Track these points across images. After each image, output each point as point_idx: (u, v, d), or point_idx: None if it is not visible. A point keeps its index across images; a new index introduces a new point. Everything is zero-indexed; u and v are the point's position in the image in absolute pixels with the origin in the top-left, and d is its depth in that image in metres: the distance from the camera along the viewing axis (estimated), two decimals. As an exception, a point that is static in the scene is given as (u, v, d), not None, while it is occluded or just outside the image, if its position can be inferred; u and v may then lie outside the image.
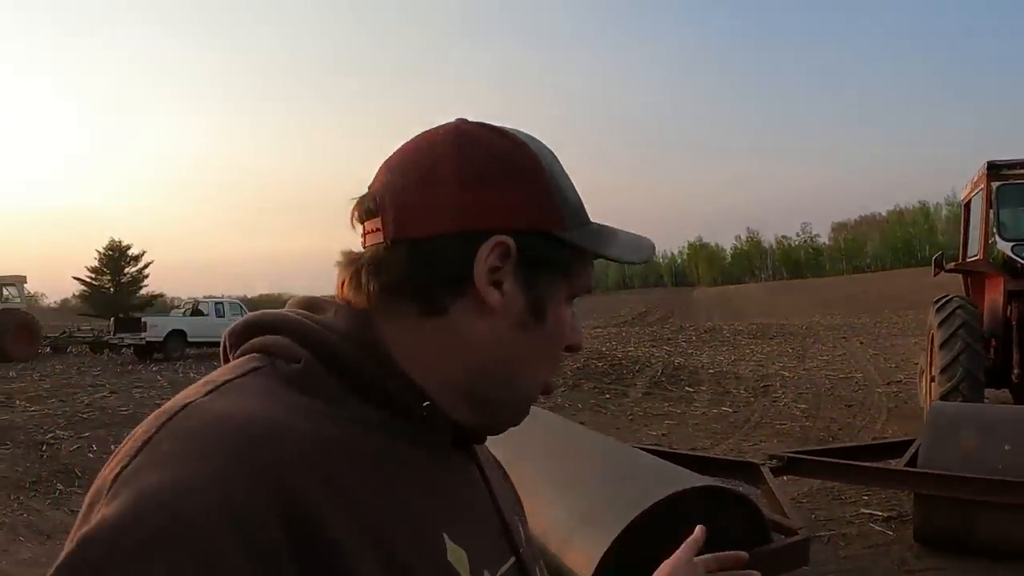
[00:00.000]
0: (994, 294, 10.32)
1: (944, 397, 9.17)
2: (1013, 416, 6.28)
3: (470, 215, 0.86)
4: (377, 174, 0.93)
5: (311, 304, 0.94)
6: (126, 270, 68.64)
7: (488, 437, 1.01)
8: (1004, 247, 9.93)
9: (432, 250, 0.86)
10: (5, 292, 29.25)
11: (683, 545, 1.31)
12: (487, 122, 0.95)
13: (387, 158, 0.94)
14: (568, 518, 4.11)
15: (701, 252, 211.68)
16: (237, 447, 0.69)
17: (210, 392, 0.77)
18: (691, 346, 26.32)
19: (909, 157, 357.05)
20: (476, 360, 0.89)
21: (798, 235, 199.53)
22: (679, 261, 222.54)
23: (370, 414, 0.83)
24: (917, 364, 12.87)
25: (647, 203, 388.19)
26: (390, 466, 0.81)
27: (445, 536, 0.83)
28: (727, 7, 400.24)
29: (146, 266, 69.73)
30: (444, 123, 0.94)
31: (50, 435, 12.05)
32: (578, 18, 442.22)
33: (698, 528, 1.34)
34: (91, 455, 10.92)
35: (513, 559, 0.96)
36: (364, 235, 0.91)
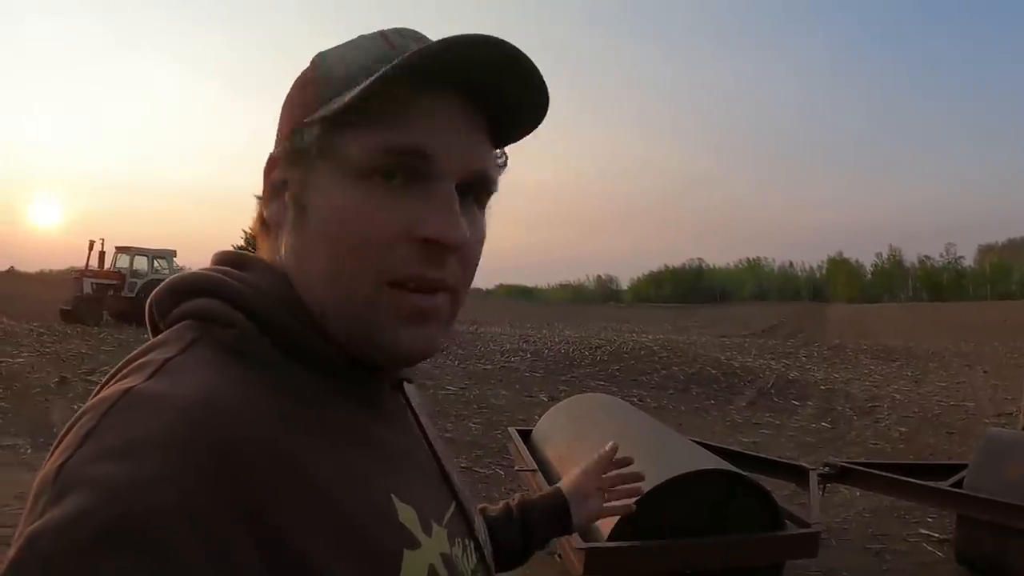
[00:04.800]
0: None
1: None
2: None
3: (277, 138, 0.89)
4: None
5: (234, 260, 0.91)
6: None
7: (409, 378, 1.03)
8: None
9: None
10: (156, 264, 30.82)
11: (596, 458, 1.57)
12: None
13: None
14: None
15: (840, 268, 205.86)
16: (185, 437, 0.67)
17: (152, 375, 0.74)
18: (810, 362, 26.14)
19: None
20: (299, 277, 0.86)
21: (942, 256, 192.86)
22: (818, 276, 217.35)
23: (307, 377, 0.82)
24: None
25: (786, 212, 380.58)
26: (336, 432, 0.81)
27: (394, 497, 0.82)
28: (887, 17, 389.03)
29: (288, 247, 72.16)
30: None
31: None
32: (730, 19, 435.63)
33: (608, 444, 1.59)
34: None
35: (454, 504, 0.97)
36: None
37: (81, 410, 0.72)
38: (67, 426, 0.72)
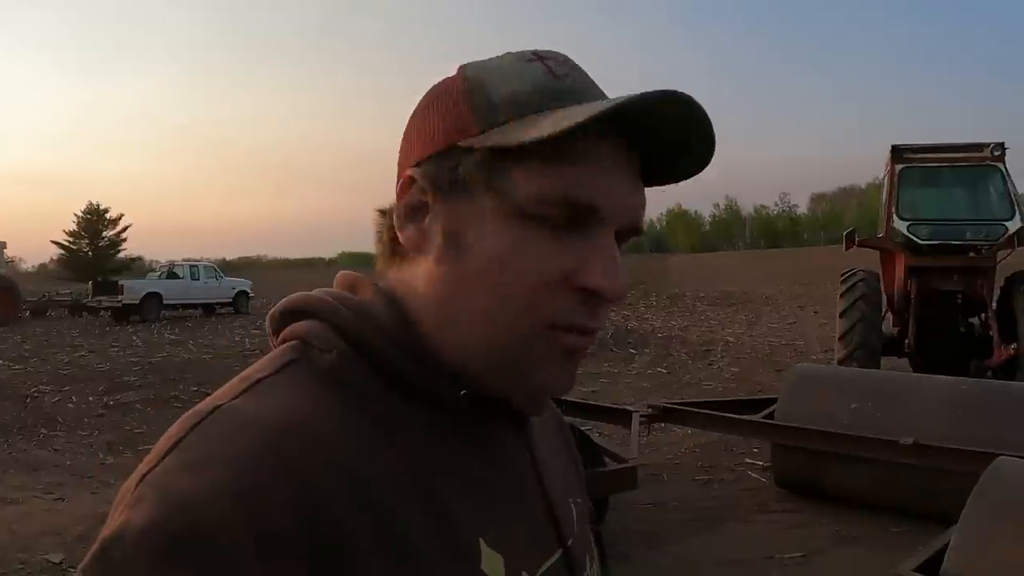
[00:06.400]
0: (897, 269, 11.09)
1: (841, 363, 9.95)
2: (864, 379, 6.97)
3: (406, 159, 0.84)
4: None
5: (351, 283, 0.89)
6: (104, 234, 68.91)
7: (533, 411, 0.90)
8: (900, 226, 10.58)
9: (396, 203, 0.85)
10: (-15, 256, 29.71)
11: None
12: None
13: None
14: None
15: (679, 220, 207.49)
16: (261, 456, 0.67)
17: (242, 393, 0.75)
18: (649, 311, 27.04)
19: (894, 131, 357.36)
20: (439, 310, 0.81)
21: (776, 205, 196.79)
22: (658, 228, 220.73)
23: (404, 408, 0.80)
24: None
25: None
26: (426, 467, 0.78)
27: (481, 542, 0.79)
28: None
29: (124, 229, 69.91)
30: None
31: (33, 389, 13.34)
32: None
33: None
34: (71, 405, 12.18)
35: (560, 551, 0.90)
36: None
37: (177, 421, 0.75)
38: (164, 435, 0.74)
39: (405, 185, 0.82)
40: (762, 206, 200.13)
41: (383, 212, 0.89)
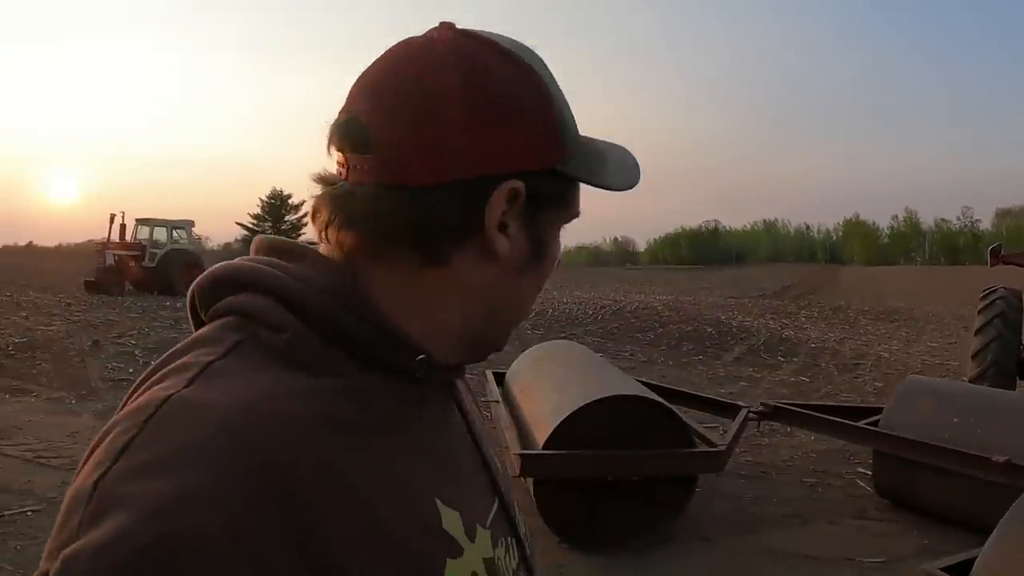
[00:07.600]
0: None
1: (973, 381, 9.63)
2: (972, 395, 7.02)
3: (479, 160, 0.78)
4: (355, 94, 0.83)
5: (283, 249, 0.85)
6: (286, 218, 72.25)
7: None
8: None
9: (437, 200, 0.78)
10: (175, 234, 31.63)
11: None
12: (483, 35, 0.83)
13: (367, 75, 0.83)
14: (546, 406, 6.01)
15: (856, 230, 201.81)
16: (230, 452, 0.64)
17: (193, 380, 0.70)
18: (809, 321, 26.48)
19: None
20: (477, 305, 0.84)
21: (958, 219, 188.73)
22: (834, 238, 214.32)
23: (363, 380, 0.77)
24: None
25: (802, 173, 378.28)
26: (385, 437, 0.77)
27: (438, 502, 0.79)
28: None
29: (305, 215, 72.76)
30: (437, 37, 0.82)
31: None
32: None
33: None
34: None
35: (497, 501, 0.94)
36: (346, 167, 0.81)
37: (116, 418, 0.70)
38: (100, 433, 0.69)
39: (503, 196, 0.80)
40: (943, 220, 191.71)
41: (321, 179, 0.88)
